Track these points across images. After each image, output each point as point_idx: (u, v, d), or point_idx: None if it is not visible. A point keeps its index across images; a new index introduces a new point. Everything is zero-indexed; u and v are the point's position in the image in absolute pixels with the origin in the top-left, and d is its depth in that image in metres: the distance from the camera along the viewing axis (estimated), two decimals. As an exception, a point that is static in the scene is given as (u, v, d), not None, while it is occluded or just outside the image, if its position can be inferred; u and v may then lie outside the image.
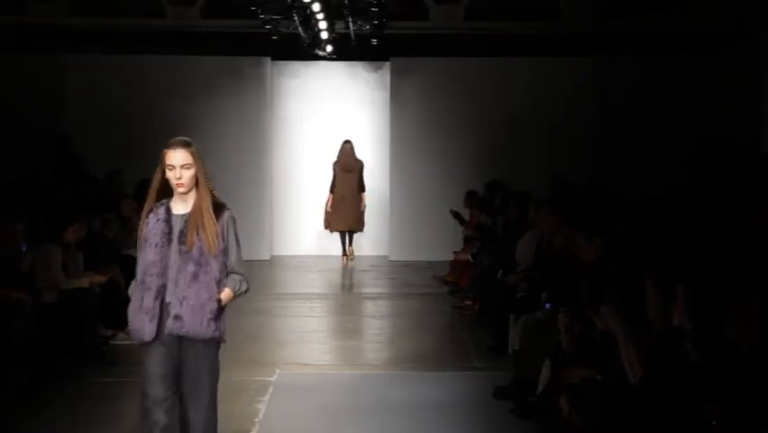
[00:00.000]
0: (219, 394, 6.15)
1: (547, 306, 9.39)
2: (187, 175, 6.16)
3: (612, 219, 10.85)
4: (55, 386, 9.33)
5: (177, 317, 6.17)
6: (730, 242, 7.89)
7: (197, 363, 6.24)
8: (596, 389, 6.87)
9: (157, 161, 6.25)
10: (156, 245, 6.19)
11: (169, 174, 6.16)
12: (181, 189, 6.19)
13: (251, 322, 11.88)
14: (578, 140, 17.90)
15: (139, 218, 6.46)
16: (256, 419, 8.43)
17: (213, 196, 6.26)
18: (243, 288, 6.42)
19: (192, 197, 6.23)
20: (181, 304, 6.16)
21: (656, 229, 9.87)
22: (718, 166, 12.98)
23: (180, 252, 6.18)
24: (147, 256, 6.23)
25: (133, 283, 6.35)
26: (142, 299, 6.21)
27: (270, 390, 9.40)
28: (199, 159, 6.22)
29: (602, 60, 18.11)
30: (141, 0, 18.28)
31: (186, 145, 6.20)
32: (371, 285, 16.13)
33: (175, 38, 18.24)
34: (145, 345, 6.24)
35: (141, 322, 6.21)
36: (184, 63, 18.19)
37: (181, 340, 6.22)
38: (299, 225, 18.99)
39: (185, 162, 6.15)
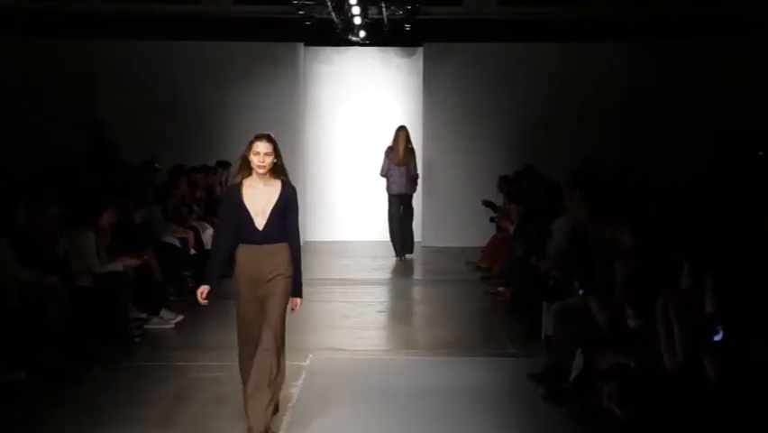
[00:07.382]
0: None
1: (580, 292, 9.35)
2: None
3: (646, 205, 10.78)
4: (88, 370, 9.38)
5: None
6: (754, 233, 7.76)
7: None
8: (631, 376, 6.83)
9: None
10: None
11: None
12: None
13: (283, 307, 11.90)
14: (612, 126, 17.79)
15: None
16: (289, 404, 8.45)
17: None
18: None
19: None
20: None
21: (690, 215, 9.78)
22: (745, 155, 12.85)
23: None
24: None
25: None
26: None
27: (303, 375, 9.41)
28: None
29: (636, 46, 17.99)
30: (175, -14, 18.37)
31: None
32: (404, 271, 16.11)
33: (209, 24, 18.29)
34: None
35: None
36: (218, 49, 18.23)
37: None
38: (333, 210, 19.01)
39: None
